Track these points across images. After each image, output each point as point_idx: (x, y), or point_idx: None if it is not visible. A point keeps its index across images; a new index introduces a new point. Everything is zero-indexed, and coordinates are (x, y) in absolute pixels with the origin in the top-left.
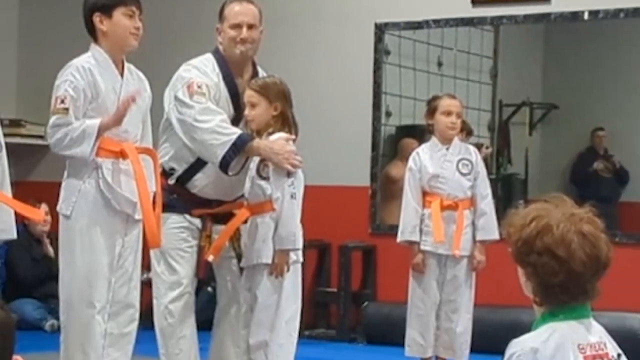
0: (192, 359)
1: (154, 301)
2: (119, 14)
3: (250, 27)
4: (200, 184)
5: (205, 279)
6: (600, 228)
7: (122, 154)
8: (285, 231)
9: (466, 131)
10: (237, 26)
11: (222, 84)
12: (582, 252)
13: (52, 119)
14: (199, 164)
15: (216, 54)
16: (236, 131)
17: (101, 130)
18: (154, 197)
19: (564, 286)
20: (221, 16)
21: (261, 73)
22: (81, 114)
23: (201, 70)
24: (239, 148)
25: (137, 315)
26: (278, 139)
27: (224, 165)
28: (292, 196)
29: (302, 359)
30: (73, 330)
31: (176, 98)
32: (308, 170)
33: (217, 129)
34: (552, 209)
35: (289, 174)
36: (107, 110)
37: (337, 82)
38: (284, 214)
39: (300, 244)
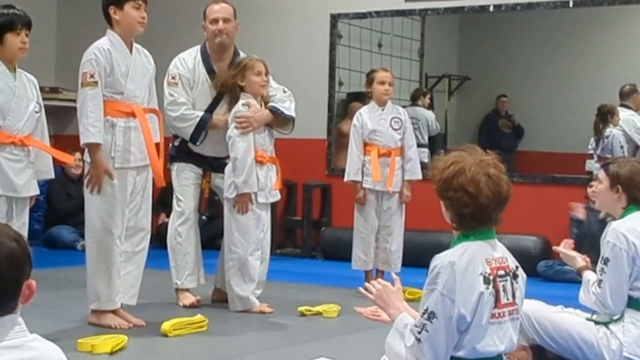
0: (195, 270)
1: (169, 226)
2: (129, 7)
3: (225, 20)
4: (199, 145)
5: (203, 212)
6: (503, 171)
7: (132, 114)
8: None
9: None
10: (215, 21)
11: (201, 68)
12: (488, 189)
13: (86, 90)
14: None
15: (202, 45)
16: (199, 114)
17: None
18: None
19: (474, 215)
20: (204, 15)
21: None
22: (103, 84)
23: (181, 61)
24: (201, 127)
25: (147, 237)
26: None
27: (193, 139)
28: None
29: (274, 272)
30: (98, 251)
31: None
32: None
33: (183, 115)
34: (466, 156)
35: None
36: (119, 79)
37: (302, 59)
38: None
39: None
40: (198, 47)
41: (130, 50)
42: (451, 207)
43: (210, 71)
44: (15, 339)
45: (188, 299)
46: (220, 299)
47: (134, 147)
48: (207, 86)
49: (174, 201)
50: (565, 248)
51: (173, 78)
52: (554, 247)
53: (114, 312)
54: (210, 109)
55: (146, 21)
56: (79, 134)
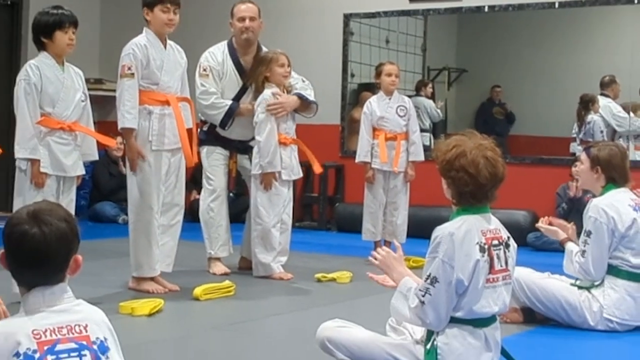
0: (226, 242)
1: (200, 202)
2: (158, 10)
3: (251, 19)
4: (227, 130)
5: (232, 190)
6: (499, 154)
7: (167, 102)
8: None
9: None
10: (242, 19)
11: (229, 61)
12: (486, 170)
13: (124, 81)
14: None
15: (229, 40)
16: (227, 103)
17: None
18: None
19: (473, 193)
20: (232, 14)
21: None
22: (140, 75)
23: (211, 54)
24: (229, 114)
25: (182, 212)
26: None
27: (222, 125)
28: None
29: (293, 243)
30: (139, 225)
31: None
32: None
33: (214, 104)
34: (467, 140)
35: None
36: (154, 71)
37: (318, 54)
38: None
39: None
40: (225, 42)
41: (165, 46)
42: (452, 185)
43: (237, 64)
44: (63, 304)
45: (219, 268)
46: (246, 266)
47: (168, 132)
48: (234, 77)
49: (204, 180)
50: (543, 224)
51: (204, 70)
52: (537, 225)
53: (152, 278)
54: (237, 98)
55: (174, 23)
56: (117, 120)
